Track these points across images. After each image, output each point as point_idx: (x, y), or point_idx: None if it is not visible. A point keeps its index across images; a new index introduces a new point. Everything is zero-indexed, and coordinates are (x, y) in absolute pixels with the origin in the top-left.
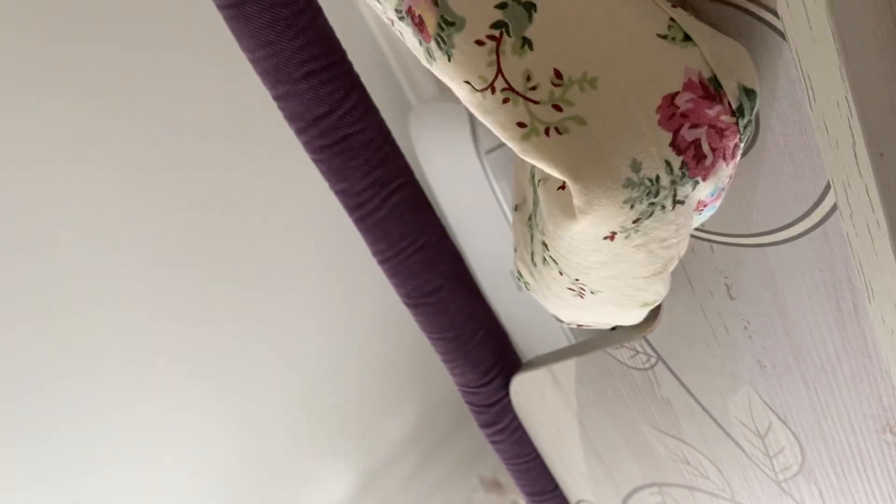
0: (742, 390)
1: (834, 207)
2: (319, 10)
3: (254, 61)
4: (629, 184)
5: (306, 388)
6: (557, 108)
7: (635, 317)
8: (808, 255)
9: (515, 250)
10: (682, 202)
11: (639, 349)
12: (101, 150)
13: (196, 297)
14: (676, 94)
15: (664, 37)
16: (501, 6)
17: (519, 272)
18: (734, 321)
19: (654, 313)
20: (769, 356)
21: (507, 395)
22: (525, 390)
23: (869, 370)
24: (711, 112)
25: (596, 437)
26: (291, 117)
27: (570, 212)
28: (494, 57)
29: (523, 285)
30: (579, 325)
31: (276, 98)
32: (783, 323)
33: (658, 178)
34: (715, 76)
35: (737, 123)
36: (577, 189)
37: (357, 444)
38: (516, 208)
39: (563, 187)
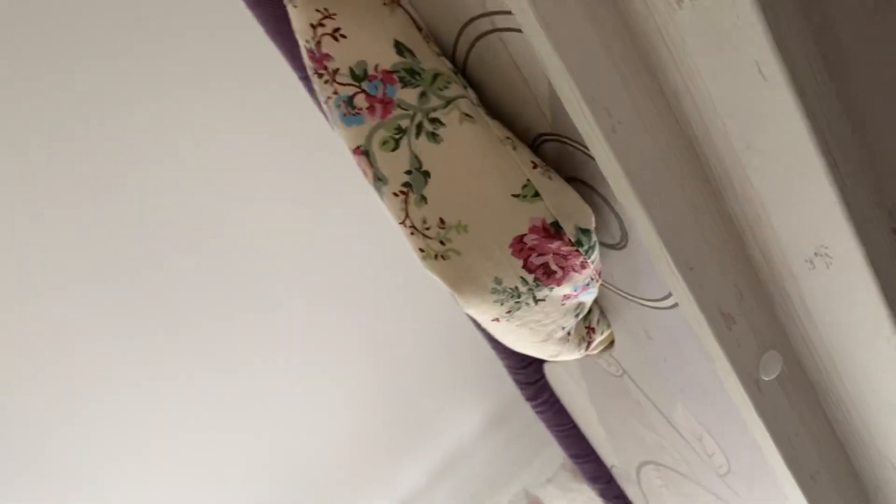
0: (679, 405)
1: None
2: None
3: None
4: (495, 291)
5: (448, 334)
6: (442, 242)
7: (562, 355)
8: (682, 323)
9: None
10: (542, 300)
11: (611, 361)
12: None
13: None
14: (524, 235)
15: (517, 195)
16: (408, 172)
17: None
18: (657, 356)
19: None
20: (685, 383)
21: (543, 376)
22: (554, 375)
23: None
24: (552, 245)
25: (606, 419)
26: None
27: (463, 305)
28: (404, 205)
29: None
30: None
31: (302, 79)
32: (684, 362)
33: (517, 287)
34: (556, 221)
35: (577, 250)
36: (458, 297)
37: (487, 383)
38: None
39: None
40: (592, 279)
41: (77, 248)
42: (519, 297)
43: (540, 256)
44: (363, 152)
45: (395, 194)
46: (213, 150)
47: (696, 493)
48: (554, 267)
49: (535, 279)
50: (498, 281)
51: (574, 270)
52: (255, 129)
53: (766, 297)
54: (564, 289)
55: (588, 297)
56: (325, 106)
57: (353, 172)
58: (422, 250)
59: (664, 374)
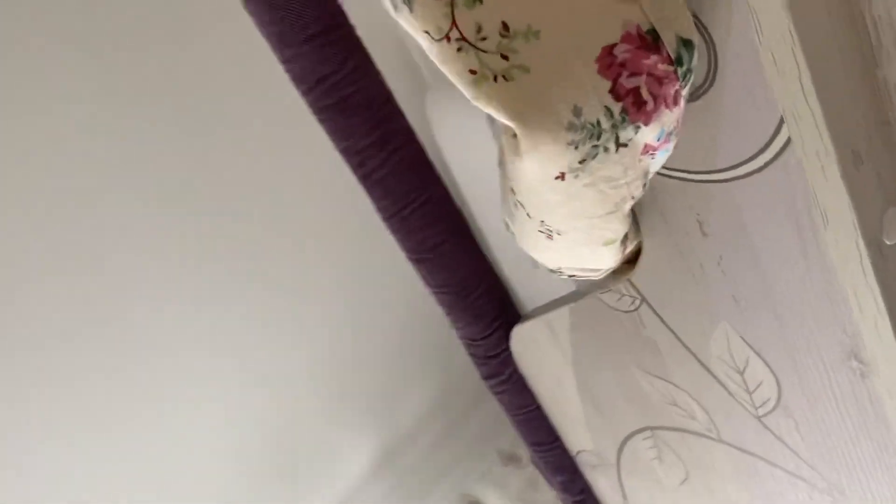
0: (720, 327)
1: (790, 138)
2: None
3: (263, 26)
4: (571, 127)
5: (328, 362)
6: (504, 56)
7: (605, 256)
8: (769, 188)
9: (502, 202)
10: (625, 145)
11: (624, 291)
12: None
13: (222, 277)
14: (615, 45)
15: None
16: None
17: (506, 223)
18: (708, 258)
19: (636, 255)
20: (742, 291)
21: (508, 347)
22: (524, 341)
23: (831, 297)
24: (649, 61)
25: (591, 384)
26: (298, 79)
27: (519, 154)
28: (449, 9)
29: (511, 236)
30: (571, 276)
31: (284, 62)
32: (752, 257)
33: (599, 122)
34: (653, 28)
35: (675, 72)
36: (522, 132)
37: (378, 417)
38: (500, 164)
39: (514, 135)
40: (675, 130)
41: None
42: (599, 137)
43: (632, 78)
44: None
45: None
46: None
47: (707, 454)
48: (645, 95)
49: (623, 111)
50: (577, 112)
51: (666, 105)
52: None
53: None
54: (650, 132)
55: (662, 158)
56: None
57: None
58: (473, 72)
59: (711, 283)
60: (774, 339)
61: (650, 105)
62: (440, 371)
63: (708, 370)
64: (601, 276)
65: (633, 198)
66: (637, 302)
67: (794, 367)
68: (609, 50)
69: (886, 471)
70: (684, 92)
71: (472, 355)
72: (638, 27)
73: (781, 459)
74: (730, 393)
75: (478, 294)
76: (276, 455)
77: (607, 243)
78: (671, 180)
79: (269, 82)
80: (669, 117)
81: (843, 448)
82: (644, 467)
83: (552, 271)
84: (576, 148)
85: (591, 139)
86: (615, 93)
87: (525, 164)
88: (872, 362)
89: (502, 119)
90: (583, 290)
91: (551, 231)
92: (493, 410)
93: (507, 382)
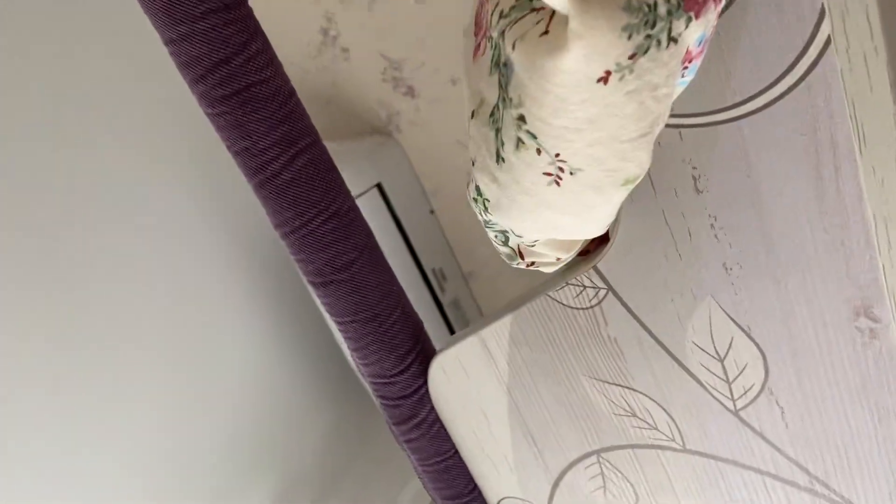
0: (702, 306)
1: (820, 54)
2: None
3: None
4: (629, 7)
5: (149, 473)
6: None
7: (609, 207)
8: (788, 118)
9: (473, 163)
10: (675, 40)
11: (586, 283)
12: None
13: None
14: None
15: None
16: None
17: (477, 190)
18: (700, 220)
19: (604, 241)
20: (737, 255)
21: (425, 382)
22: (446, 372)
23: (846, 245)
24: None
25: (527, 410)
26: (188, 62)
27: (559, 47)
28: None
29: (480, 207)
30: (530, 264)
31: (171, 42)
32: (755, 208)
33: (656, 4)
34: None
35: None
36: (576, 6)
37: None
38: (472, 115)
39: (546, 32)
40: (707, 40)
41: None
42: (654, 25)
43: None
44: None
45: None
46: None
47: (663, 470)
48: None
49: None
50: None
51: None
52: None
53: None
54: (696, 30)
55: (682, 87)
56: None
57: None
58: None
59: (699, 252)
60: (769, 307)
61: None
62: (276, 475)
63: (680, 363)
64: (557, 268)
65: (663, 121)
66: (602, 293)
67: (789, 337)
68: None
69: (883, 443)
70: None
71: (382, 398)
72: None
73: (757, 459)
74: (704, 388)
75: (392, 321)
76: None
77: (627, 182)
78: (667, 129)
79: None
80: (711, 17)
81: (834, 427)
82: (583, 502)
83: (511, 253)
84: (629, 37)
85: (646, 27)
86: None
87: (564, 61)
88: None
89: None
90: (531, 292)
91: (563, 170)
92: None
93: (422, 426)
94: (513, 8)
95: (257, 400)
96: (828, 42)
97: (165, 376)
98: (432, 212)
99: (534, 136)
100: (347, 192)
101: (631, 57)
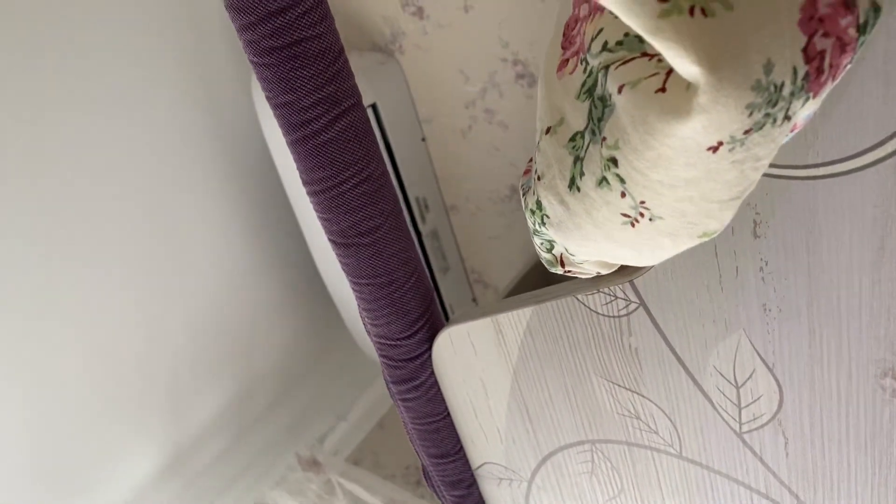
0: (732, 337)
1: None
2: None
3: None
4: (757, 86)
5: (114, 360)
6: None
7: (669, 251)
8: (867, 189)
9: (539, 178)
10: (789, 118)
11: (618, 294)
12: None
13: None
14: None
15: None
16: None
17: (538, 204)
18: (750, 261)
19: None
20: (779, 300)
21: (429, 349)
22: (454, 343)
23: (891, 313)
24: (843, 22)
25: (528, 392)
26: (242, 7)
27: (678, 112)
28: None
29: (537, 220)
30: (568, 271)
31: None
32: (808, 263)
33: (783, 85)
34: None
35: (857, 40)
36: (709, 82)
37: (166, 420)
38: (547, 131)
39: (662, 89)
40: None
41: None
42: (775, 104)
43: (824, 38)
44: None
45: None
46: None
47: (653, 470)
48: (827, 62)
49: (805, 76)
50: (768, 68)
51: (833, 79)
52: None
53: None
54: (809, 108)
55: (786, 141)
56: None
57: None
58: (663, 0)
59: (742, 289)
60: (798, 351)
61: (825, 76)
62: (234, 372)
63: (696, 382)
64: (592, 276)
65: (753, 188)
66: (632, 307)
67: (811, 380)
68: (814, 1)
69: (877, 487)
70: (850, 65)
71: (385, 357)
72: None
73: (751, 477)
74: (715, 408)
75: (407, 287)
76: (52, 456)
77: (704, 235)
78: None
79: None
80: (823, 95)
81: (833, 465)
82: (567, 482)
83: (552, 260)
84: (750, 114)
85: (768, 105)
86: (807, 53)
87: (681, 129)
88: None
89: (682, 61)
90: (559, 290)
91: (643, 215)
92: (291, 412)
93: (420, 388)
94: (619, 44)
95: (225, 300)
96: None
97: (138, 264)
98: (423, 140)
99: (622, 181)
100: (380, 158)
101: (746, 132)
